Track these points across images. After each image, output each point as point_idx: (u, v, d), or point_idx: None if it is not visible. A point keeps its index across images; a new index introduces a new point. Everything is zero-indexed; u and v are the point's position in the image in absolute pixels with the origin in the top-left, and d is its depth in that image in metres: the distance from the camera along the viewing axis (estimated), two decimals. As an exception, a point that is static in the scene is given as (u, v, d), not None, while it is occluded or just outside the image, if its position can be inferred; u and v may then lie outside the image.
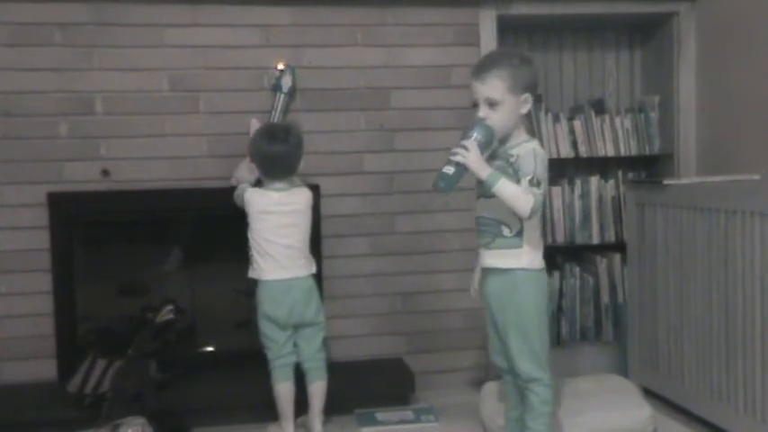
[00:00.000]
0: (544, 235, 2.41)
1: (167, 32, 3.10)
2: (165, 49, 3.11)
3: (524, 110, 2.31)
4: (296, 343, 2.82)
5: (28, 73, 3.02)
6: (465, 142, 2.21)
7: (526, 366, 2.33)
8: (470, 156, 2.19)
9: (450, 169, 2.22)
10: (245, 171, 2.88)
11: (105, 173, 3.09)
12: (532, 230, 2.32)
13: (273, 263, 2.74)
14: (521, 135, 2.34)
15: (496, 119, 2.26)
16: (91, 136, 3.08)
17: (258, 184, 2.84)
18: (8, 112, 3.02)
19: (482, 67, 2.30)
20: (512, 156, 2.28)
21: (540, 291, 2.34)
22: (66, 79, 3.05)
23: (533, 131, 3.43)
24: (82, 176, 3.08)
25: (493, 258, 2.35)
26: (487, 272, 2.39)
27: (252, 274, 2.79)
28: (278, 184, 2.77)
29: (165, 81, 3.12)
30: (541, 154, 2.28)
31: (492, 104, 2.27)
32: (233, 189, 2.86)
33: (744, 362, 2.59)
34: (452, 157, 2.21)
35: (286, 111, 3.11)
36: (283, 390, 2.78)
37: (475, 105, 2.31)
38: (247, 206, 2.77)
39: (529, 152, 2.26)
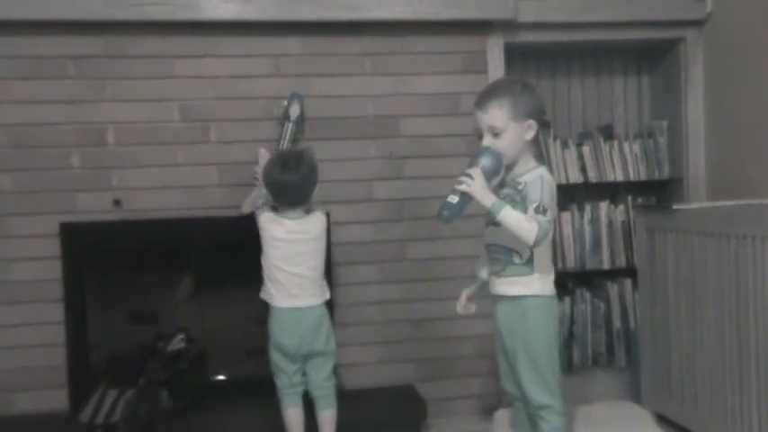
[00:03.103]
0: (554, 261, 2.40)
1: (178, 63, 3.14)
2: (176, 79, 3.14)
3: (529, 136, 2.32)
4: (305, 371, 2.81)
5: (41, 105, 3.06)
6: (470, 170, 2.22)
7: (537, 393, 2.32)
8: (474, 184, 2.20)
9: (454, 198, 2.22)
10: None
11: (117, 203, 3.11)
12: (543, 257, 2.32)
13: (283, 290, 2.74)
14: (528, 162, 2.35)
15: (501, 147, 2.28)
16: (103, 166, 3.11)
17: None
18: (21, 144, 3.05)
19: (483, 97, 2.32)
20: (520, 183, 2.29)
21: (551, 318, 2.34)
22: (79, 111, 3.08)
23: (541, 158, 3.43)
24: (94, 206, 3.10)
25: (504, 286, 2.35)
26: (498, 299, 2.39)
27: (263, 295, 2.79)
28: (292, 212, 2.77)
29: (176, 111, 3.15)
30: (549, 180, 2.28)
31: (495, 133, 2.28)
32: (243, 217, 2.86)
33: (758, 386, 2.57)
34: (457, 186, 2.22)
35: (295, 140, 3.13)
36: (292, 416, 2.78)
37: (480, 136, 2.32)
38: (261, 231, 2.77)
39: (536, 179, 2.26)
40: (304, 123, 3.12)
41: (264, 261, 2.77)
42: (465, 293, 2.54)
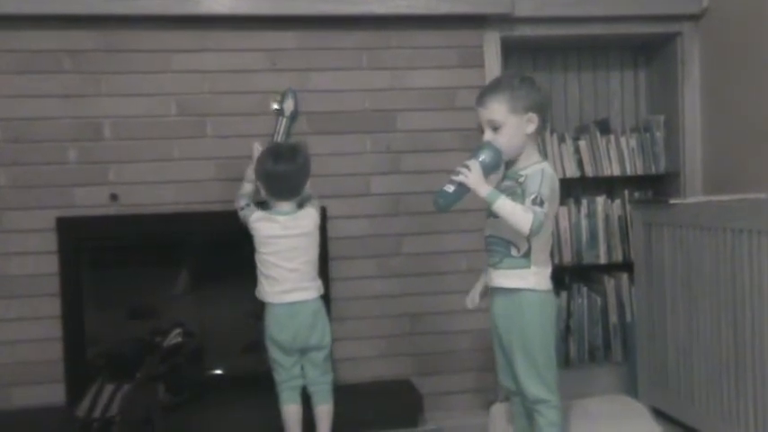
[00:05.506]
0: (552, 255, 2.40)
1: (175, 58, 3.13)
2: (173, 74, 3.13)
3: (530, 129, 2.31)
4: (302, 366, 2.81)
5: (37, 99, 3.05)
6: (468, 162, 2.23)
7: (533, 388, 2.32)
8: (471, 176, 2.21)
9: (450, 187, 2.25)
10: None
11: (114, 197, 3.10)
12: (540, 252, 2.32)
13: (277, 286, 2.73)
14: (531, 156, 2.35)
15: (501, 141, 2.28)
16: (99, 161, 3.10)
17: (263, 205, 2.84)
18: (17, 139, 3.05)
19: (483, 93, 2.34)
20: (521, 176, 2.30)
21: (547, 312, 2.34)
22: (75, 105, 3.08)
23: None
24: (91, 201, 3.09)
25: (500, 278, 2.35)
26: (495, 291, 2.39)
27: (257, 294, 2.79)
28: (284, 207, 2.76)
29: (173, 106, 3.14)
30: (550, 174, 2.28)
31: (495, 127, 2.29)
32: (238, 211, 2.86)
33: (754, 381, 2.58)
34: (454, 177, 2.24)
35: (289, 134, 3.12)
36: (290, 412, 2.78)
37: (482, 131, 2.33)
38: (253, 231, 2.77)
39: (536, 172, 2.27)
40: (297, 118, 3.11)
41: (258, 259, 2.77)
42: (478, 288, 2.52)
